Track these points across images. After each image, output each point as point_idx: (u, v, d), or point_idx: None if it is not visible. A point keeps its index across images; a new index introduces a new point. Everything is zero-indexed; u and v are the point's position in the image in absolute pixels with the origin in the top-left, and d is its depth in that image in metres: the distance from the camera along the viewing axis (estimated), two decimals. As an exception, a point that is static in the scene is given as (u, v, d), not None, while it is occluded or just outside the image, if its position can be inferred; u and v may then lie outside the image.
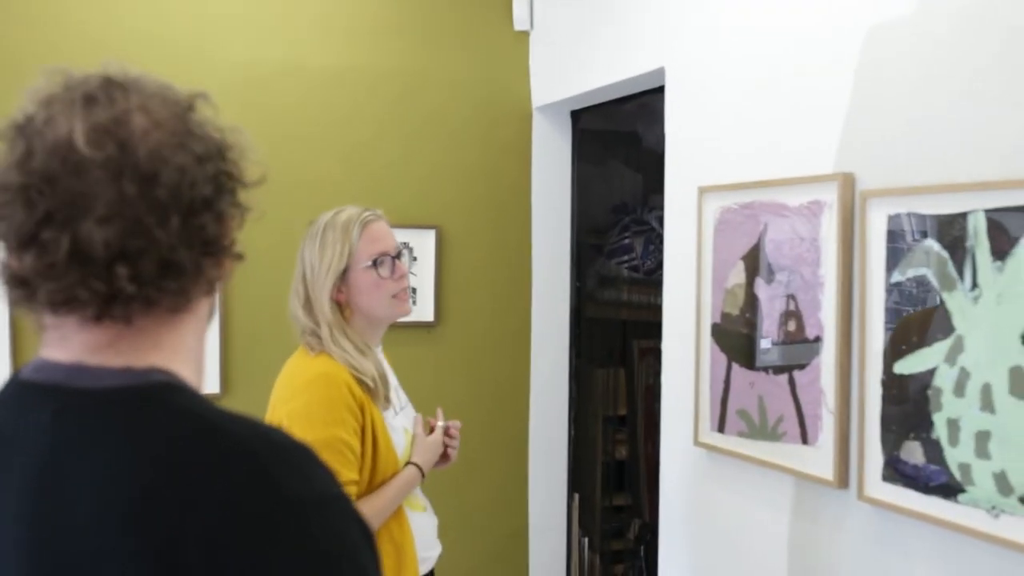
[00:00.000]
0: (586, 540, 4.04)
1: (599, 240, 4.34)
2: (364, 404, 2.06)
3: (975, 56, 1.88)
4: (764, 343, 2.44)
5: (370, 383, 2.08)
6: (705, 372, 2.67)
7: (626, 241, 4.34)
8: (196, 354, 0.95)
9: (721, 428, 2.61)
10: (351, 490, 2.00)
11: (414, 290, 3.66)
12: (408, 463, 2.17)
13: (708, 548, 2.72)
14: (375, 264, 2.14)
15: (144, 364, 0.88)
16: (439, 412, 2.38)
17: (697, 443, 2.71)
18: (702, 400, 2.69)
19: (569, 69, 3.55)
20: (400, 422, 2.19)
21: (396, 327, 3.55)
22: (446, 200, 3.73)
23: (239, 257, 0.94)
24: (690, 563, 2.80)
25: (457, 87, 3.74)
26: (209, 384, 3.34)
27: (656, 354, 3.09)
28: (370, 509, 2.02)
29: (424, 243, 3.68)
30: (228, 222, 0.92)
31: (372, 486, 2.07)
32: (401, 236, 3.56)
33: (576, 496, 4.04)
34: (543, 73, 3.79)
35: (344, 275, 2.14)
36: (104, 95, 0.87)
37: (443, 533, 3.71)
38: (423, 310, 3.69)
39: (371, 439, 2.06)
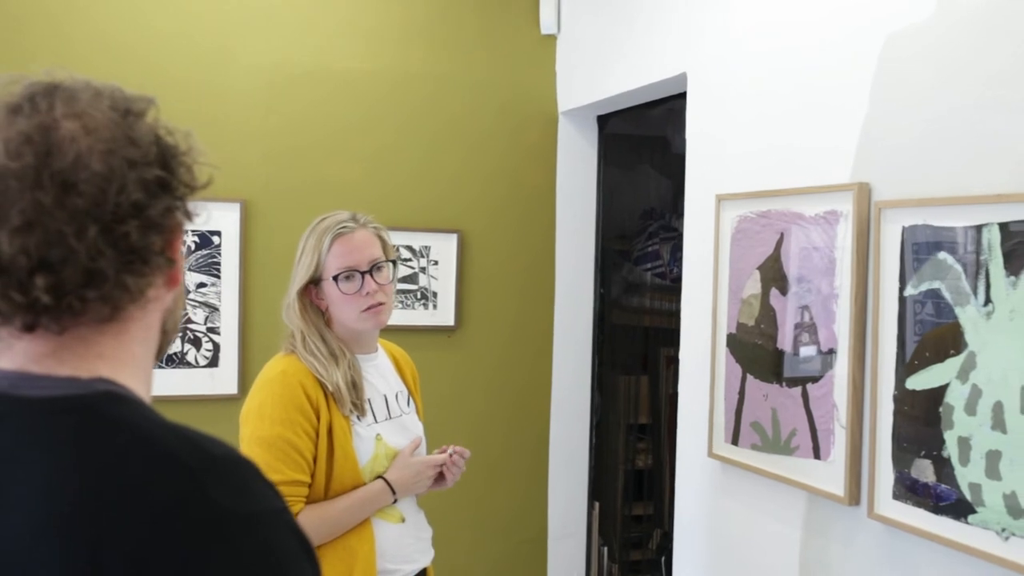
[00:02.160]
0: (605, 549, 4.00)
1: (626, 246, 4.30)
2: (321, 407, 2.05)
3: (990, 66, 1.83)
4: (779, 355, 2.40)
5: (332, 389, 2.07)
6: (720, 383, 2.63)
7: (654, 247, 4.30)
8: (144, 364, 0.93)
9: (735, 440, 2.57)
10: (298, 489, 2.00)
11: (434, 294, 3.65)
12: (379, 477, 2.13)
13: (721, 561, 2.68)
14: (337, 279, 2.12)
15: (90, 374, 0.87)
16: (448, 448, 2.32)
17: (711, 455, 2.67)
18: (717, 411, 2.65)
19: (595, 73, 3.52)
20: (374, 431, 2.15)
21: (415, 331, 3.57)
22: (469, 204, 3.72)
23: (170, 263, 0.91)
24: (703, 574, 2.76)
25: (482, 90, 3.73)
26: (227, 386, 3.36)
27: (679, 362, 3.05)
28: (318, 516, 2.00)
29: (446, 247, 3.66)
30: (163, 229, 0.89)
31: (329, 491, 2.06)
32: (422, 239, 3.58)
33: (596, 504, 4.00)
34: (569, 77, 3.77)
35: (319, 284, 2.15)
36: (28, 104, 0.85)
37: (462, 537, 3.73)
38: (444, 314, 3.68)
39: (327, 443, 2.05)
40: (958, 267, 1.87)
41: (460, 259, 3.69)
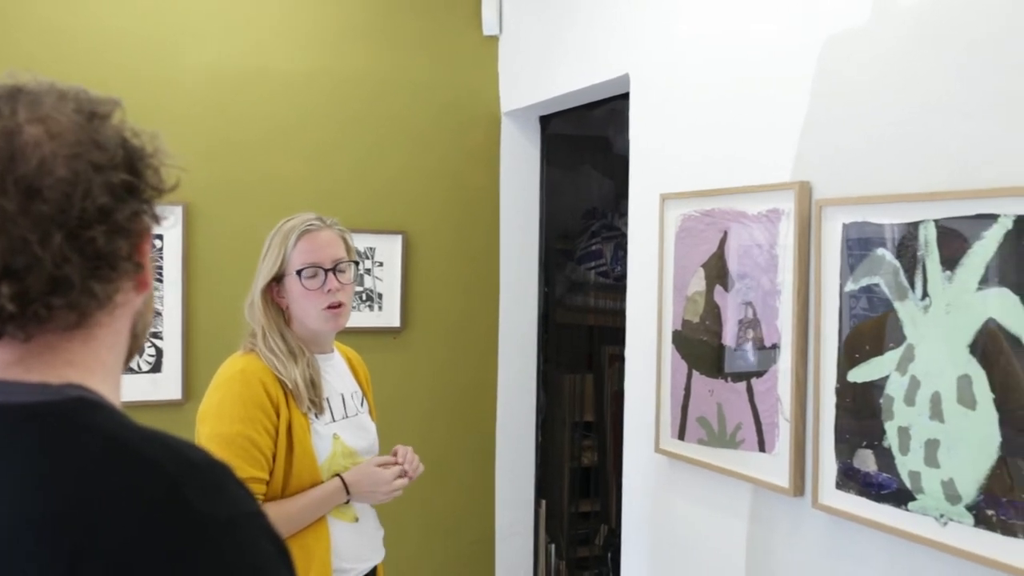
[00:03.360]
0: (553, 547, 4.03)
1: (569, 245, 4.34)
2: (281, 405, 2.06)
3: (924, 68, 1.90)
4: (723, 350, 2.45)
5: (291, 386, 2.08)
6: (666, 379, 2.68)
7: (596, 246, 4.34)
8: (114, 370, 0.92)
9: (681, 435, 2.62)
10: (256, 487, 2.01)
11: (380, 296, 3.65)
12: (336, 475, 2.14)
13: (669, 555, 2.72)
14: (300, 274, 2.14)
15: (60, 380, 0.86)
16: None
17: (658, 450, 2.71)
18: (663, 407, 2.69)
19: (538, 74, 3.55)
20: (332, 430, 2.16)
21: (361, 332, 3.56)
22: (413, 205, 3.73)
23: (138, 268, 0.91)
24: (651, 569, 2.80)
25: (425, 91, 3.74)
26: (170, 391, 3.32)
27: (624, 360, 3.09)
28: (275, 513, 1.99)
29: (390, 248, 3.67)
30: (130, 234, 0.88)
31: (288, 489, 2.06)
32: (367, 241, 3.57)
33: (543, 502, 4.03)
34: (512, 78, 3.79)
35: (282, 281, 2.15)
36: None
37: (409, 538, 3.73)
38: (389, 315, 3.68)
39: (286, 440, 2.05)
40: (896, 263, 1.93)
41: (405, 260, 3.70)
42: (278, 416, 2.05)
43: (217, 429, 2.02)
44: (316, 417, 2.12)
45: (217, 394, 2.07)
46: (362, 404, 2.31)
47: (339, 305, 2.17)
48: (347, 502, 2.14)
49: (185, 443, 0.86)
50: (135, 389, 3.27)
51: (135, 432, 0.84)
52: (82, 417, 0.84)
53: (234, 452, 1.99)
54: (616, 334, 3.74)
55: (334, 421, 2.17)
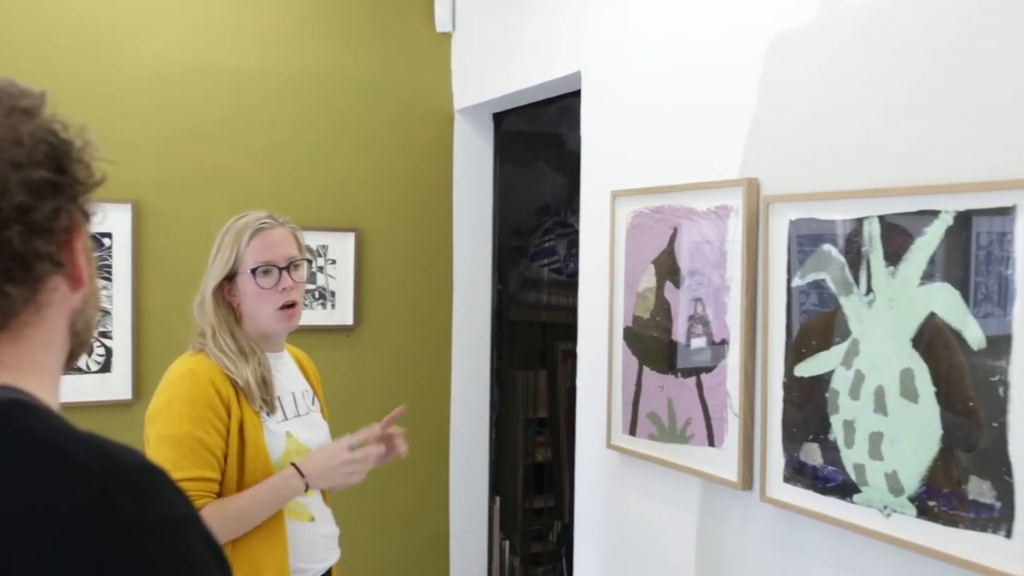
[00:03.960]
0: (507, 543, 4.04)
1: (522, 242, 4.35)
2: (232, 404, 2.04)
3: (869, 66, 1.92)
4: (674, 346, 2.47)
5: (242, 385, 2.06)
6: (617, 375, 2.69)
7: (549, 243, 4.36)
8: (50, 370, 0.90)
9: (632, 431, 2.63)
10: (202, 486, 1.98)
11: (332, 293, 3.64)
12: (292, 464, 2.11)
13: (620, 549, 2.74)
14: (255, 272, 2.12)
15: None
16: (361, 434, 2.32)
17: (610, 446, 2.73)
18: (614, 403, 2.71)
19: (490, 71, 3.55)
20: (284, 428, 2.14)
21: (314, 331, 3.55)
22: (366, 202, 3.71)
23: (59, 267, 0.88)
24: (603, 564, 2.82)
25: (377, 88, 3.73)
26: (120, 391, 3.28)
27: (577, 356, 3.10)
28: (222, 509, 1.98)
29: (343, 245, 3.65)
30: (51, 232, 0.85)
31: (242, 487, 2.04)
32: (320, 239, 3.56)
33: (497, 499, 4.04)
34: (465, 75, 3.79)
35: (234, 279, 2.14)
36: None
37: (364, 537, 3.72)
38: (342, 313, 3.66)
39: (238, 439, 2.04)
40: (841, 258, 1.96)
41: (358, 258, 3.68)
42: (229, 415, 2.03)
43: (166, 430, 2.00)
44: (268, 415, 2.11)
45: (166, 394, 2.05)
46: (313, 402, 2.30)
47: (293, 304, 2.15)
48: (307, 489, 2.10)
49: (119, 446, 0.84)
50: (84, 389, 3.22)
51: (67, 434, 0.82)
52: (13, 420, 0.82)
53: (182, 453, 1.97)
54: (569, 331, 3.75)
55: (286, 419, 2.16)
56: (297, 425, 2.17)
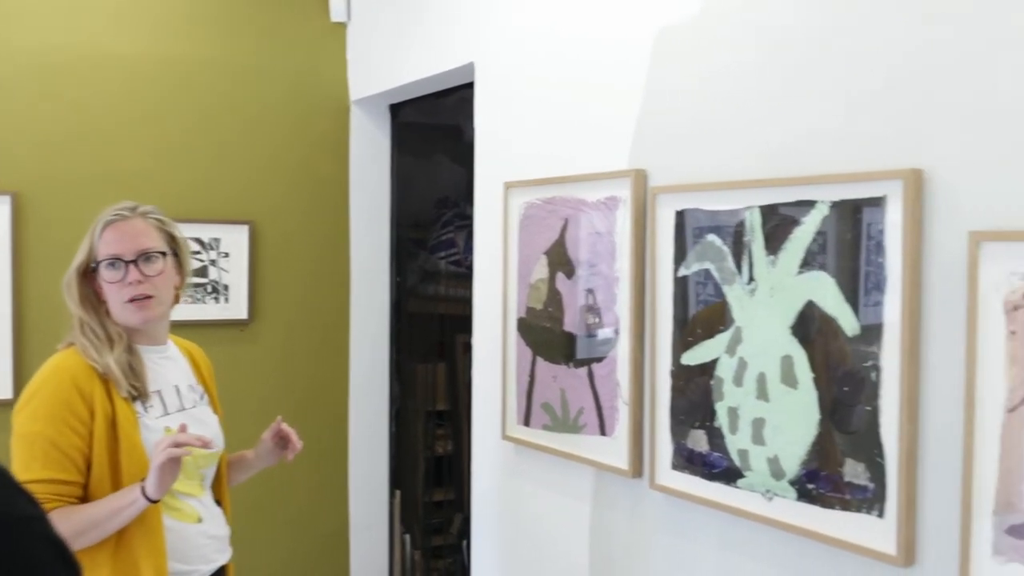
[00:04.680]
0: (408, 536, 4.03)
1: (422, 235, 4.33)
2: (97, 398, 1.99)
3: (749, 59, 1.96)
4: (566, 337, 2.48)
5: (103, 371, 2.01)
6: (511, 366, 2.70)
7: (448, 235, 4.34)
8: None
9: (527, 422, 2.64)
10: (51, 487, 1.92)
11: (226, 287, 3.57)
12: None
13: (517, 539, 2.75)
14: (102, 265, 2.09)
15: None
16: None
17: (505, 437, 2.73)
18: (509, 394, 2.71)
19: (386, 62, 3.52)
20: (163, 423, 2.09)
21: (208, 325, 3.48)
22: (260, 194, 3.65)
23: None
24: (500, 554, 2.83)
25: (272, 79, 3.66)
26: (1, 388, 3.17)
27: (474, 349, 3.10)
28: (72, 519, 1.90)
29: (237, 238, 3.58)
30: None
31: (119, 484, 1.98)
32: (212, 232, 3.49)
33: (398, 492, 4.02)
34: (360, 65, 3.75)
35: (96, 271, 2.10)
36: None
37: (261, 534, 3.66)
38: (236, 307, 3.60)
39: (109, 435, 1.98)
40: (725, 248, 1.99)
41: (252, 251, 3.62)
42: (93, 414, 1.97)
43: (22, 429, 1.97)
44: (145, 410, 2.06)
45: (28, 393, 2.01)
46: (201, 397, 2.25)
47: (144, 297, 2.09)
48: (150, 499, 1.95)
49: None
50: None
51: None
52: None
53: (31, 453, 1.93)
54: (469, 323, 3.75)
55: (167, 414, 2.10)
56: (178, 420, 2.11)
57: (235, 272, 3.59)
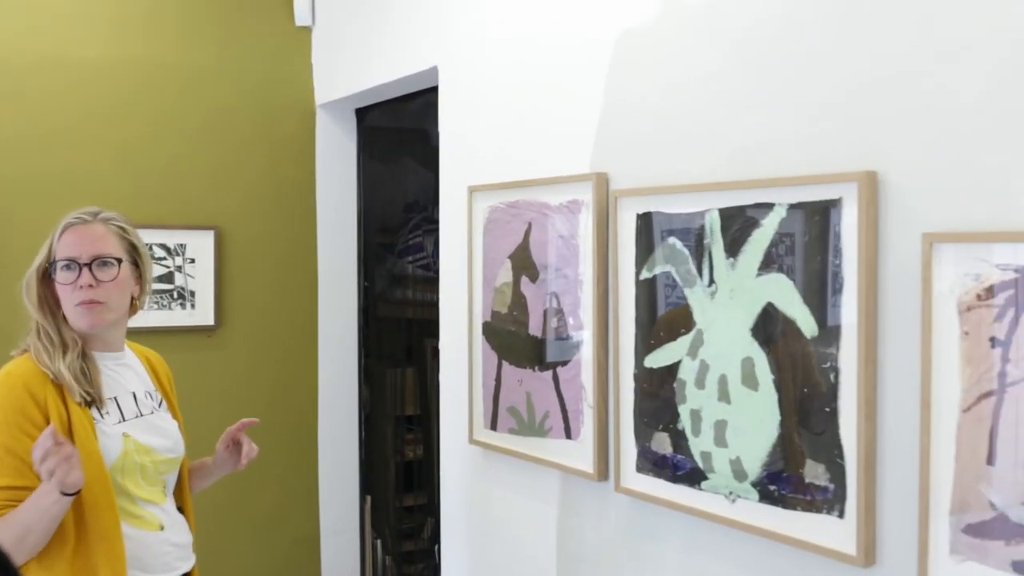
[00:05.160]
0: (379, 542, 4.01)
1: (390, 239, 4.31)
2: (51, 404, 1.97)
3: (707, 62, 1.97)
4: (531, 340, 2.48)
5: (54, 377, 1.99)
6: (478, 370, 2.69)
7: (416, 240, 4.32)
8: None
9: (494, 426, 2.64)
10: (12, 495, 1.90)
11: (192, 293, 3.54)
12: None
13: (486, 544, 2.75)
14: (56, 266, 2.08)
15: None
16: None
17: (472, 441, 2.73)
18: (475, 398, 2.71)
19: (352, 66, 3.51)
20: (120, 429, 2.07)
21: (174, 331, 3.46)
22: (225, 200, 3.63)
23: None
24: (470, 560, 2.82)
25: (236, 83, 3.64)
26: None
27: (442, 353, 3.09)
28: (7, 521, 1.88)
29: (203, 244, 3.56)
30: None
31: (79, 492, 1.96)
32: (177, 237, 3.47)
33: (368, 498, 4.00)
34: (326, 70, 3.73)
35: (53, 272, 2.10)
36: None
37: (229, 540, 3.64)
38: (203, 313, 3.57)
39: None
40: (686, 251, 2.00)
41: (218, 256, 3.59)
42: (48, 419, 1.95)
43: None
44: (102, 416, 2.04)
45: None
46: (160, 404, 2.23)
47: (94, 302, 2.07)
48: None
49: None
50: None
51: None
52: None
53: None
54: (437, 327, 3.74)
55: (124, 421, 2.08)
56: (137, 426, 2.10)
57: (201, 278, 3.56)
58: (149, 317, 3.44)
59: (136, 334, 3.38)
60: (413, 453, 4.18)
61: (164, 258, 3.49)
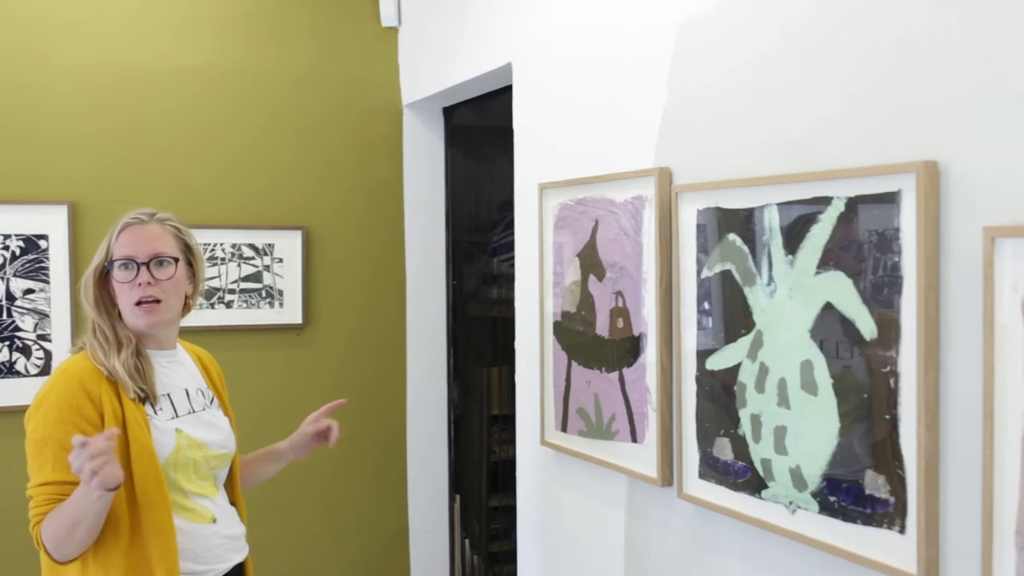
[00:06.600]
0: (468, 541, 4.00)
1: (483, 238, 4.29)
2: (106, 400, 2.00)
3: (764, 54, 1.87)
4: (598, 340, 2.41)
5: (109, 373, 2.02)
6: (549, 370, 2.64)
7: (509, 238, 4.29)
8: None
9: (564, 427, 2.58)
10: (57, 489, 1.93)
11: (280, 292, 3.59)
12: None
13: (558, 547, 2.69)
14: (115, 265, 2.11)
15: None
16: None
17: (544, 442, 2.68)
18: (547, 399, 2.66)
19: (437, 65, 3.50)
20: (174, 425, 2.09)
21: (262, 330, 3.51)
22: (313, 200, 3.67)
23: None
24: (543, 563, 2.77)
25: (323, 84, 3.68)
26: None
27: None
28: (54, 516, 1.91)
29: (290, 244, 3.60)
30: None
31: (133, 486, 1.98)
32: (265, 237, 3.52)
33: (458, 497, 3.99)
34: (412, 69, 3.74)
35: (110, 272, 2.13)
36: None
37: (318, 537, 3.68)
38: (291, 312, 3.62)
39: (120, 437, 1.96)
40: (745, 248, 1.90)
41: (306, 256, 3.64)
42: (102, 415, 1.98)
43: (34, 433, 1.99)
44: (155, 412, 2.07)
45: (39, 397, 2.03)
46: (211, 401, 2.26)
47: (153, 300, 2.10)
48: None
49: None
50: (23, 393, 3.18)
51: None
52: None
53: (44, 457, 1.95)
54: (524, 326, 3.70)
55: (176, 416, 2.11)
56: (189, 421, 2.13)
57: (289, 277, 3.61)
58: (238, 315, 3.51)
59: (225, 332, 3.46)
60: (502, 453, 4.15)
61: (252, 258, 3.55)
